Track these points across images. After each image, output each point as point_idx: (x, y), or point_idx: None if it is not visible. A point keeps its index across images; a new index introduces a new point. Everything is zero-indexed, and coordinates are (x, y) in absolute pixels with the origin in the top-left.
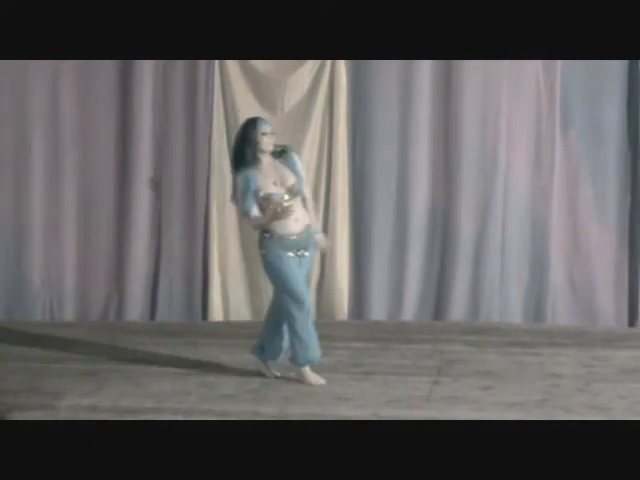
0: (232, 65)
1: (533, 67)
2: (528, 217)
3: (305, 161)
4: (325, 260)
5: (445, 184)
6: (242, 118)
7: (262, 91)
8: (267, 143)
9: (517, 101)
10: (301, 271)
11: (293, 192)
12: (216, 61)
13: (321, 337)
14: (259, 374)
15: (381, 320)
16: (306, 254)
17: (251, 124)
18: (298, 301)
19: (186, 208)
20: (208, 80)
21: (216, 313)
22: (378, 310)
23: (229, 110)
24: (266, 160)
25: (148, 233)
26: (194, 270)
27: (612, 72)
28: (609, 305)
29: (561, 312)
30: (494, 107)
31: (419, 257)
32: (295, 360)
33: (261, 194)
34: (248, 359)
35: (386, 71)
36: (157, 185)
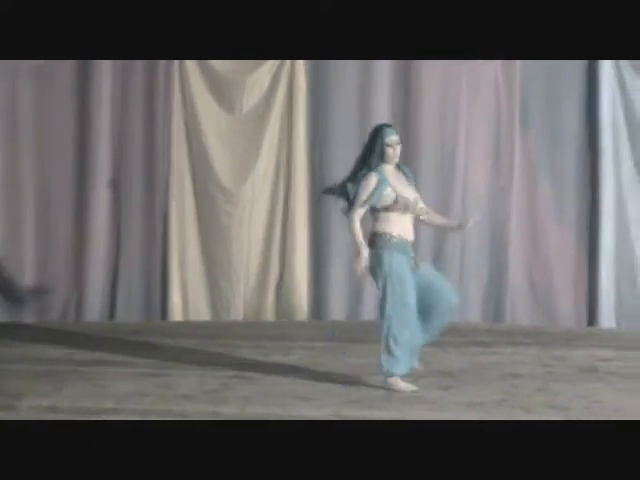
0: (191, 66)
1: (492, 67)
2: (487, 217)
3: (264, 161)
4: (285, 260)
5: None
6: (201, 119)
7: (221, 92)
8: (391, 155)
9: (476, 101)
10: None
11: (416, 207)
12: (175, 62)
13: (281, 337)
14: (218, 375)
15: (341, 320)
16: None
17: (379, 132)
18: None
19: (145, 209)
20: (167, 81)
21: (175, 313)
22: (337, 310)
23: (188, 111)
24: (389, 168)
25: (107, 234)
26: (153, 270)
27: (571, 72)
28: (568, 305)
29: (520, 312)
30: (453, 108)
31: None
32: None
33: (394, 195)
34: (207, 358)
35: (345, 72)
36: (116, 186)
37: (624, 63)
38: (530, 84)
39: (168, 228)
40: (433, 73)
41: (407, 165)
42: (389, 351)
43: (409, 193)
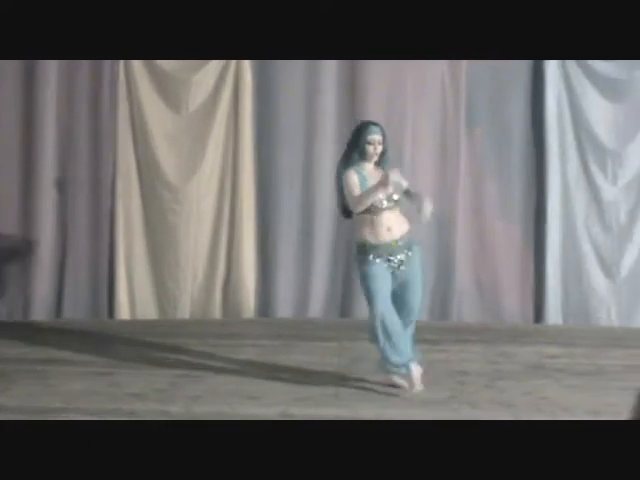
0: (137, 64)
1: (438, 67)
2: (434, 216)
3: (210, 160)
4: (232, 258)
5: None
6: (148, 117)
7: (167, 90)
8: (371, 153)
9: (422, 101)
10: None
11: (391, 201)
12: (121, 61)
13: (228, 335)
14: (167, 373)
15: (288, 318)
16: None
17: (361, 129)
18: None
19: (92, 208)
20: (112, 80)
21: (123, 312)
22: (284, 308)
23: (134, 109)
24: (369, 167)
25: (53, 232)
26: (100, 269)
27: (517, 71)
28: (515, 302)
29: (467, 309)
30: (399, 107)
31: (325, 255)
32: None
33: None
34: (156, 357)
35: (292, 71)
36: (62, 185)
37: (570, 62)
38: (476, 83)
39: (115, 227)
40: (379, 73)
41: (387, 163)
42: (387, 344)
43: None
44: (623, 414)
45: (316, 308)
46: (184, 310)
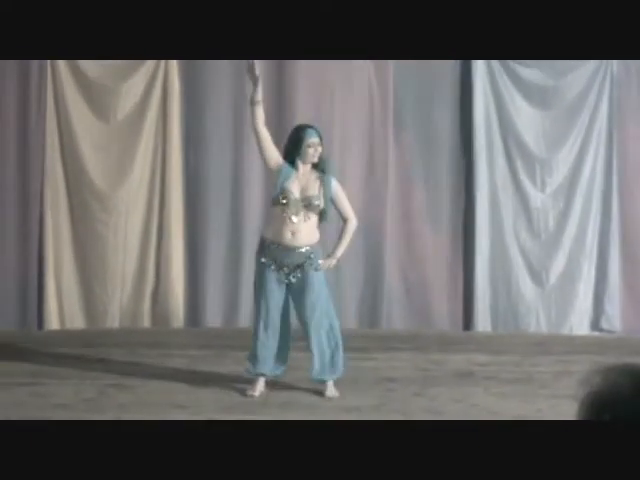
0: (65, 73)
1: (365, 71)
2: (362, 222)
3: (139, 169)
4: (160, 267)
5: None
6: (76, 126)
7: (95, 99)
8: (311, 155)
9: (350, 105)
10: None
11: (310, 204)
12: (48, 69)
13: (157, 345)
14: (95, 383)
15: (217, 327)
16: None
17: (300, 133)
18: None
19: (20, 217)
20: (40, 89)
21: (52, 321)
22: (213, 317)
23: (62, 119)
24: (305, 168)
25: None
26: (29, 279)
27: (444, 74)
28: (444, 309)
29: (396, 316)
30: (327, 111)
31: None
32: None
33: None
34: (84, 367)
35: (219, 78)
36: None
37: (496, 65)
38: (403, 87)
39: (43, 236)
40: (307, 77)
41: (325, 166)
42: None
43: (299, 192)
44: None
45: (245, 318)
46: (113, 319)
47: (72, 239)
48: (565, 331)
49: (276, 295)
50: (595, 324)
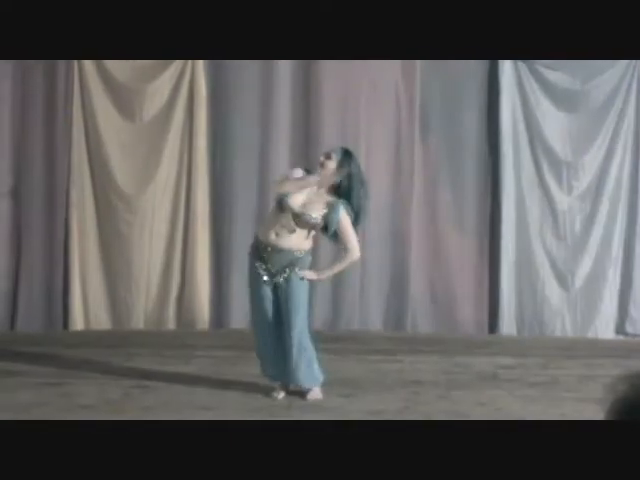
0: (91, 73)
1: (392, 74)
2: (388, 225)
3: (165, 170)
4: (186, 269)
5: None
6: (102, 127)
7: (121, 99)
8: (318, 170)
9: (377, 108)
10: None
11: (300, 220)
12: (75, 70)
13: (182, 346)
14: (119, 384)
15: (241, 329)
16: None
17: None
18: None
19: (46, 218)
20: (67, 90)
21: (77, 322)
22: (238, 319)
23: (88, 120)
24: (320, 188)
25: (7, 243)
26: (54, 280)
27: (471, 75)
28: (469, 312)
29: (421, 320)
30: (353, 115)
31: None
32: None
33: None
34: (109, 368)
35: (246, 81)
36: (16, 195)
37: (523, 67)
38: (430, 92)
39: (69, 237)
40: (334, 82)
41: (343, 204)
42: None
43: (296, 200)
44: None
45: None
46: (138, 321)
47: (97, 240)
48: (590, 335)
49: (267, 295)
50: (620, 328)
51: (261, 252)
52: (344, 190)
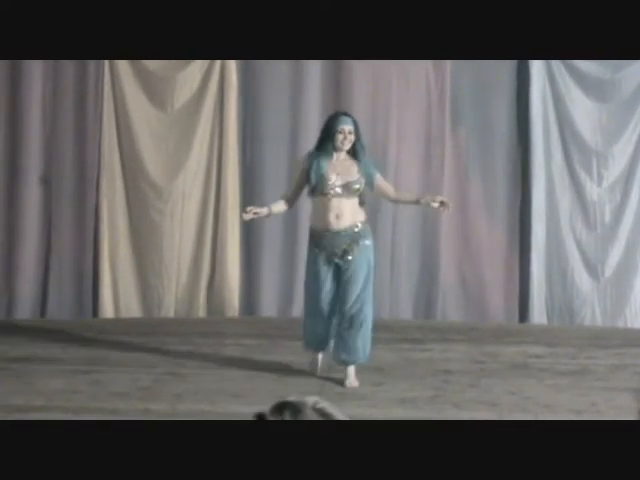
0: (122, 63)
1: (423, 66)
2: (418, 215)
3: (195, 158)
4: (216, 257)
5: None
6: (132, 115)
7: (152, 88)
8: (340, 141)
9: (407, 100)
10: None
11: (349, 189)
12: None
13: (212, 334)
14: (150, 371)
15: (272, 316)
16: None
17: (332, 119)
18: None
19: (76, 206)
20: (98, 78)
21: (107, 310)
22: (268, 306)
23: (119, 108)
24: (340, 155)
25: (38, 231)
26: (84, 267)
27: (502, 70)
28: (499, 301)
29: (451, 308)
30: (384, 106)
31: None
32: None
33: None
34: (139, 356)
35: (277, 71)
36: (47, 183)
37: (555, 62)
38: (460, 82)
39: (99, 225)
40: (364, 72)
41: (362, 154)
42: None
43: (336, 177)
44: (606, 414)
45: (300, 307)
46: (168, 309)
47: (128, 228)
48: (620, 324)
49: (327, 285)
50: None
51: (323, 241)
52: (359, 149)
